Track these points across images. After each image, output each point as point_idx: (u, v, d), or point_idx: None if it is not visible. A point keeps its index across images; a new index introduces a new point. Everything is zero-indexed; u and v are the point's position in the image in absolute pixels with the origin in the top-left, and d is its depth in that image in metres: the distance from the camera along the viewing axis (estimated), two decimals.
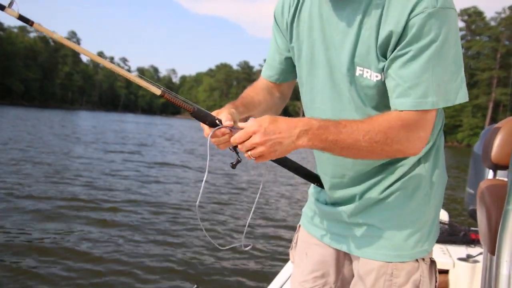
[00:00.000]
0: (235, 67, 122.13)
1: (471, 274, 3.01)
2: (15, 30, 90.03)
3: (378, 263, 1.27)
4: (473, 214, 2.21)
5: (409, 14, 1.06)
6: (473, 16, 70.77)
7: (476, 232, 3.24)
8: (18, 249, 5.24)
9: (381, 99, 1.19)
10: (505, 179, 1.78)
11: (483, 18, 70.30)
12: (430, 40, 1.05)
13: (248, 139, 1.07)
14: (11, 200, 7.47)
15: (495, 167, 1.98)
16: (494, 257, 1.48)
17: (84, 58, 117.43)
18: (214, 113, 1.19)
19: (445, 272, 3.01)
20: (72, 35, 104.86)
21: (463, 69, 1.12)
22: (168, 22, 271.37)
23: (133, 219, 7.16)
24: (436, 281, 1.31)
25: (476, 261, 3.02)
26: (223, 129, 1.14)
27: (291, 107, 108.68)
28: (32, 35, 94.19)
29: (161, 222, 7.14)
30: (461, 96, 1.12)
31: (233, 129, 1.14)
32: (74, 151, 15.70)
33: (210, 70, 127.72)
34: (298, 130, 1.08)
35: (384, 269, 1.26)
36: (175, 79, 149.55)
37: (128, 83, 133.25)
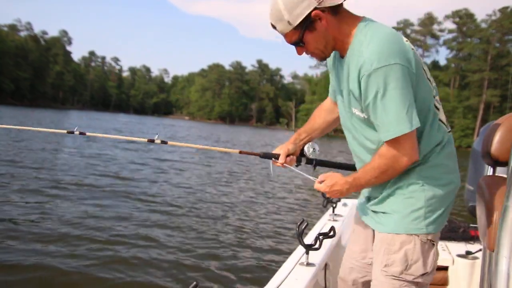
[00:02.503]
0: (227, 67, 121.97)
1: (471, 270, 3.02)
2: (5, 28, 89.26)
3: (383, 234, 1.78)
4: (472, 211, 2.23)
5: (358, 77, 1.59)
6: (464, 18, 71.25)
7: (476, 228, 3.25)
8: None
9: (366, 130, 1.74)
10: (505, 176, 1.80)
11: (474, 20, 70.76)
12: (375, 92, 1.54)
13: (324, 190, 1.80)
14: None
15: (495, 164, 1.99)
16: (493, 254, 1.49)
17: (75, 57, 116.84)
18: (278, 148, 2.07)
19: (445, 268, 3.01)
20: (64, 34, 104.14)
21: (411, 101, 1.56)
22: (161, 21, 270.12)
23: (136, 211, 7.16)
24: (432, 262, 1.71)
25: (475, 258, 3.03)
26: (278, 164, 2.05)
27: (283, 107, 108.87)
28: (22, 33, 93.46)
29: (164, 218, 7.12)
30: (415, 122, 1.57)
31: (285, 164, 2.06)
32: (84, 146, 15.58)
33: (202, 70, 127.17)
34: (346, 186, 1.75)
35: (385, 239, 1.76)
36: (167, 79, 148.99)
37: (120, 82, 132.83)
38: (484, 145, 1.98)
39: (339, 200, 3.17)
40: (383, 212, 1.79)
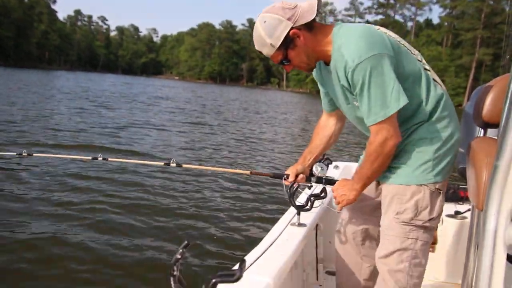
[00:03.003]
0: (217, 26, 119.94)
1: (459, 229, 3.10)
2: None
3: (394, 186, 1.94)
4: (462, 172, 2.26)
5: (345, 74, 1.80)
6: None
7: (465, 189, 3.30)
8: None
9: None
10: (495, 137, 1.81)
11: None
12: (361, 83, 1.75)
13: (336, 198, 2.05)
14: None
15: (486, 126, 2.00)
16: (482, 213, 1.52)
17: (61, 16, 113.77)
18: (290, 169, 2.27)
19: None
20: None
21: (394, 84, 1.74)
22: None
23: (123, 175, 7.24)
24: (438, 208, 1.91)
25: (464, 218, 3.11)
26: (287, 182, 2.25)
27: (274, 66, 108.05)
28: None
29: (157, 183, 7.16)
30: (402, 101, 1.76)
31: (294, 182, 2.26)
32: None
33: (192, 29, 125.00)
34: (355, 187, 1.98)
35: (397, 190, 1.92)
36: (156, 39, 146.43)
37: (107, 42, 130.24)
38: (476, 107, 1.99)
39: (330, 163, 3.20)
40: (394, 167, 1.94)
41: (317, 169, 2.30)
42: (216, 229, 5.40)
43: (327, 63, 1.95)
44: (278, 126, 18.51)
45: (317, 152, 2.33)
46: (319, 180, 2.30)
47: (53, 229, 4.84)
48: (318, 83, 2.20)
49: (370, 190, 2.16)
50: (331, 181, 2.29)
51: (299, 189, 2.32)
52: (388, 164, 1.96)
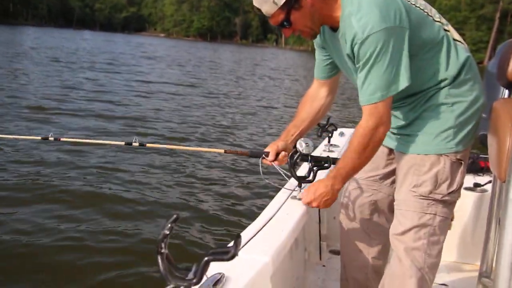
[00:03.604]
0: None
1: (478, 204, 3.11)
2: None
3: (411, 155, 1.94)
4: (483, 140, 2.24)
5: (351, 45, 1.79)
6: None
7: (486, 159, 3.26)
8: None
9: None
10: None
11: None
12: (367, 58, 1.75)
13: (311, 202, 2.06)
14: None
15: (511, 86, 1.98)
16: (504, 184, 1.51)
17: None
18: (269, 146, 2.26)
19: None
20: None
21: (399, 64, 1.76)
22: None
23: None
24: (459, 180, 1.92)
25: (484, 190, 3.10)
26: (266, 162, 2.23)
27: None
28: None
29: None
30: (401, 85, 1.78)
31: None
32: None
33: None
34: (331, 184, 1.98)
35: (414, 160, 1.92)
36: None
37: None
38: (500, 65, 1.96)
39: (335, 129, 3.18)
40: (410, 135, 1.96)
41: (301, 146, 2.23)
42: (209, 205, 5.47)
43: (333, 29, 1.94)
44: (273, 94, 18.14)
45: (303, 126, 2.31)
46: (304, 158, 2.24)
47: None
48: (317, 46, 2.19)
49: (380, 158, 2.16)
50: (319, 161, 2.26)
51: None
52: (403, 132, 1.98)
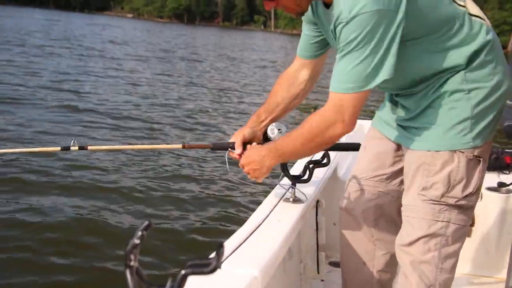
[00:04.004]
0: None
1: (504, 206, 3.11)
2: None
3: (419, 152, 1.91)
4: (509, 131, 2.25)
5: (335, 24, 1.79)
6: None
7: None
8: None
9: None
10: None
11: None
12: (348, 42, 1.73)
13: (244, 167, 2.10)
14: None
15: None
16: None
17: None
18: (233, 136, 2.23)
19: None
20: None
21: (384, 58, 1.73)
22: None
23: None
24: (477, 180, 1.88)
25: (510, 191, 3.11)
26: (233, 155, 2.19)
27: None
28: None
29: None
30: (379, 79, 1.75)
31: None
32: None
33: None
34: (266, 159, 2.00)
35: (423, 158, 1.89)
36: None
37: None
38: None
39: None
40: (419, 128, 1.93)
41: (272, 132, 2.23)
42: (186, 209, 5.48)
43: (326, 5, 1.92)
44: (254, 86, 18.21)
45: (276, 113, 2.29)
46: None
47: None
48: (306, 21, 2.18)
49: (386, 155, 2.16)
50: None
51: None
52: (412, 125, 1.96)
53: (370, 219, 2.22)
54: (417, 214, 1.91)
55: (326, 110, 1.85)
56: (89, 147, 2.43)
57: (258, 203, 2.31)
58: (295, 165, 2.66)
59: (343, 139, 2.53)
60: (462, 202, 1.88)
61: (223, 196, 5.92)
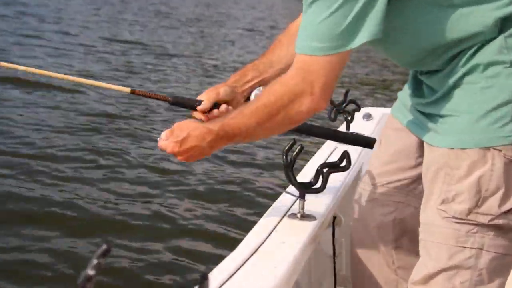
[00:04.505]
0: None
1: None
2: None
3: (439, 150, 1.78)
4: None
5: None
6: None
7: None
8: None
9: None
10: None
11: None
12: None
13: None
14: None
15: None
16: None
17: None
18: (207, 92, 2.09)
19: None
20: None
21: (368, 10, 1.60)
22: None
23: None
24: None
25: None
26: (197, 115, 2.08)
27: None
28: None
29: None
30: (361, 38, 1.65)
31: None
32: None
33: None
34: (208, 139, 1.80)
35: (444, 158, 1.75)
36: None
37: None
38: None
39: (358, 110, 3.19)
40: (442, 115, 1.79)
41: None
42: (160, 219, 5.50)
43: None
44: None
45: (268, 74, 2.16)
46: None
47: None
48: None
49: (407, 153, 2.12)
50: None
51: (302, 153, 2.15)
52: (432, 111, 1.86)
53: (389, 238, 2.15)
54: (435, 237, 1.77)
55: (289, 77, 1.76)
56: (2, 63, 2.25)
57: (257, 218, 2.23)
58: (304, 169, 2.58)
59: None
60: (499, 221, 1.71)
61: (210, 209, 5.86)
